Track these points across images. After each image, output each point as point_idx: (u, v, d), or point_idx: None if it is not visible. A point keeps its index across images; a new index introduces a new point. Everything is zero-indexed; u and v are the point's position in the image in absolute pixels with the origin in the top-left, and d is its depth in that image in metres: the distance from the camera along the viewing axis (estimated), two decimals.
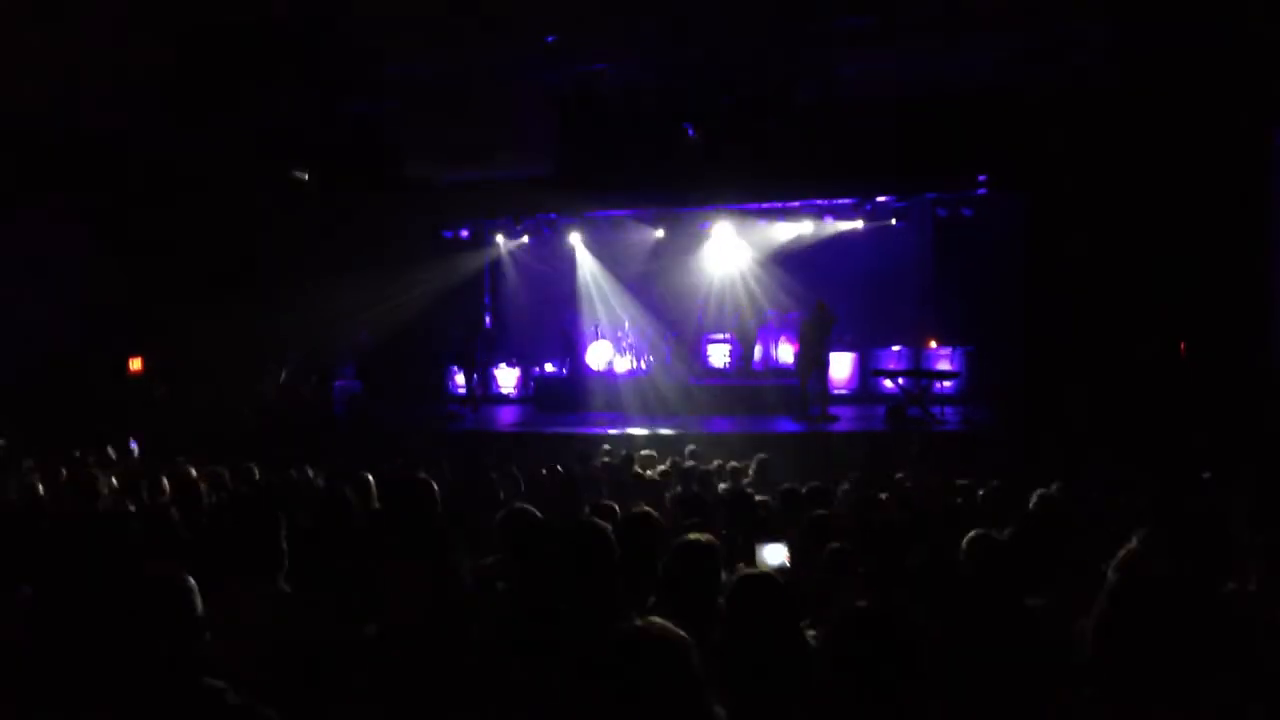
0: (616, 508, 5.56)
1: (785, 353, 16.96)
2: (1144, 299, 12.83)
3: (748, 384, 16.37)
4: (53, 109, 12.44)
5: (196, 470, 7.56)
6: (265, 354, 15.51)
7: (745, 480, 8.61)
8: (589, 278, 18.26)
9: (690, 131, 14.38)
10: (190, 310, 14.59)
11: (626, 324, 17.36)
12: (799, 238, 17.25)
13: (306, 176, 14.53)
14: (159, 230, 14.61)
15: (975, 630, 3.54)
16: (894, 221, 16.61)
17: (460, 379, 16.62)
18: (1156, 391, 12.03)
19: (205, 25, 10.40)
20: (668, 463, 9.44)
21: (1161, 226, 12.61)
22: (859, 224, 16.79)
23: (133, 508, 5.57)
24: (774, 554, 5.00)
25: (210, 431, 12.40)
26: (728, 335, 17.41)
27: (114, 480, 7.10)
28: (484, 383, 18.04)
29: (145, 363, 15.26)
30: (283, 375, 15.33)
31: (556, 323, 17.78)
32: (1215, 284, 12.38)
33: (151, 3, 9.99)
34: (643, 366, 17.03)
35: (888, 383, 14.93)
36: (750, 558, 4.98)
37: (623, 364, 17.20)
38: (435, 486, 5.67)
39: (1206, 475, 7.39)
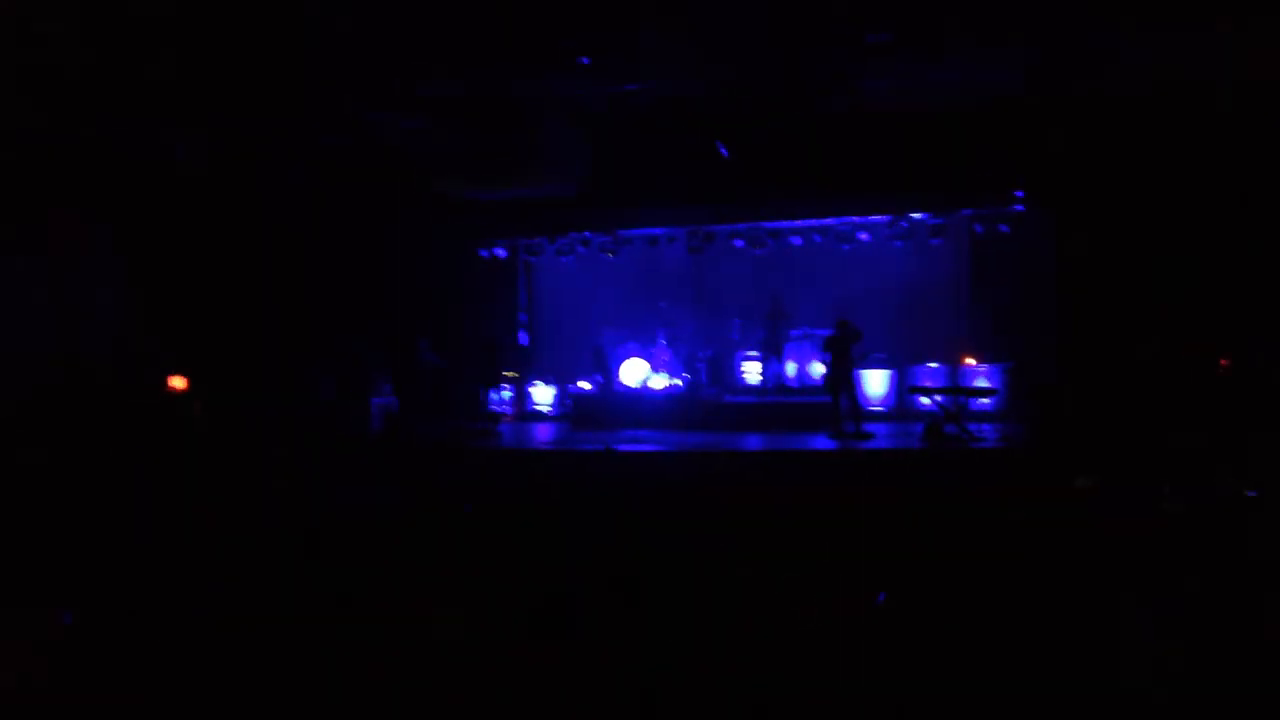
0: None
1: (819, 370, 16.85)
2: (1185, 312, 12.64)
3: (783, 401, 16.30)
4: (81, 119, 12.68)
5: None
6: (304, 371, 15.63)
7: None
8: (623, 295, 18.32)
9: (723, 150, 14.39)
10: (226, 328, 14.79)
11: (662, 341, 17.34)
12: (833, 254, 17.14)
13: None
14: (194, 247, 14.82)
15: None
16: (933, 240, 16.47)
17: (494, 396, 16.69)
18: (1198, 405, 11.82)
19: (240, 40, 10.59)
20: None
21: (1198, 237, 12.44)
22: (895, 242, 16.69)
23: None
24: None
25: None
26: (759, 352, 17.33)
27: None
28: (519, 400, 18.10)
29: (188, 382, 15.42)
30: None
31: (592, 340, 17.78)
32: (1256, 294, 12.18)
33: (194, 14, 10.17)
34: (678, 384, 16.99)
35: (925, 400, 14.78)
36: None
37: (658, 381, 17.18)
38: None
39: (1252, 494, 7.24)
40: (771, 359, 16.92)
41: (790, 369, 17.38)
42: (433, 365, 16.75)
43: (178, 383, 15.34)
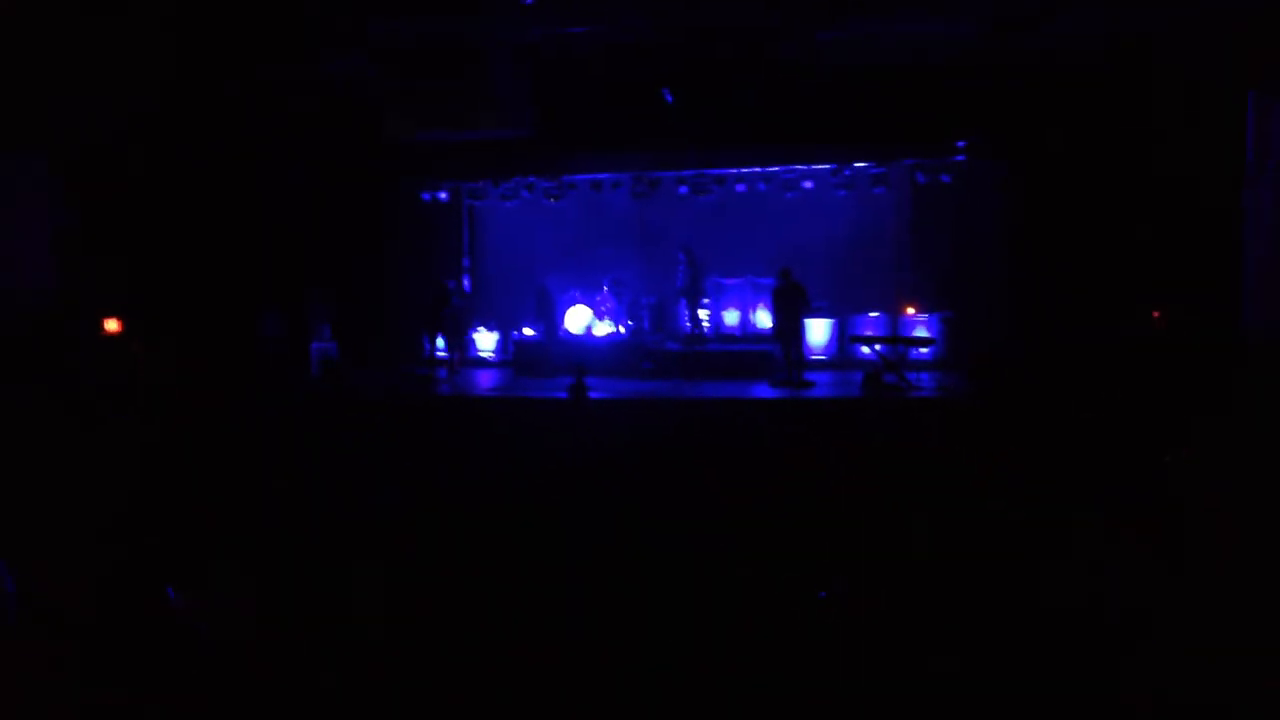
0: None
1: (762, 318, 16.97)
2: (1122, 266, 12.96)
3: (725, 349, 16.41)
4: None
5: None
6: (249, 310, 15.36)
7: None
8: (567, 241, 18.19)
9: (669, 96, 14.31)
10: (166, 270, 14.47)
11: (605, 288, 17.31)
12: (777, 203, 17.17)
13: None
14: (134, 187, 14.42)
15: None
16: (876, 189, 16.57)
17: (440, 342, 16.53)
18: (1132, 358, 12.18)
19: None
20: None
21: (1139, 191, 12.73)
22: (838, 191, 16.75)
23: None
24: None
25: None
26: (705, 300, 17.31)
27: None
28: (462, 346, 17.96)
29: (122, 323, 15.06)
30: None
31: (536, 286, 17.67)
32: (1190, 248, 12.52)
33: None
34: (621, 330, 17.01)
35: (865, 349, 15.00)
36: None
37: (601, 328, 17.18)
38: None
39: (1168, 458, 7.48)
40: (693, 307, 16.85)
41: (732, 317, 17.47)
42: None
43: (112, 325, 14.99)
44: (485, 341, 18.13)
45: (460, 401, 14.01)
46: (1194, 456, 6.66)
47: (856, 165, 16.31)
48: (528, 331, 17.66)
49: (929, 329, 15.94)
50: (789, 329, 14.04)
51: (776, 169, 16.73)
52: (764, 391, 13.63)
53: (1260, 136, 12.05)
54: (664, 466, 7.47)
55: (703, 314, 16.93)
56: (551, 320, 17.16)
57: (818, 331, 16.44)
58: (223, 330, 14.90)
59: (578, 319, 17.34)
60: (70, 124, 13.48)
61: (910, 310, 16.29)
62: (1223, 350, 11.59)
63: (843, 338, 16.51)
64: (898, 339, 15.11)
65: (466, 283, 18.83)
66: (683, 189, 17.04)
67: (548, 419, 11.53)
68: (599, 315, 17.25)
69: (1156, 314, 13.29)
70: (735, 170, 16.87)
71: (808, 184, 16.64)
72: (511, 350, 17.48)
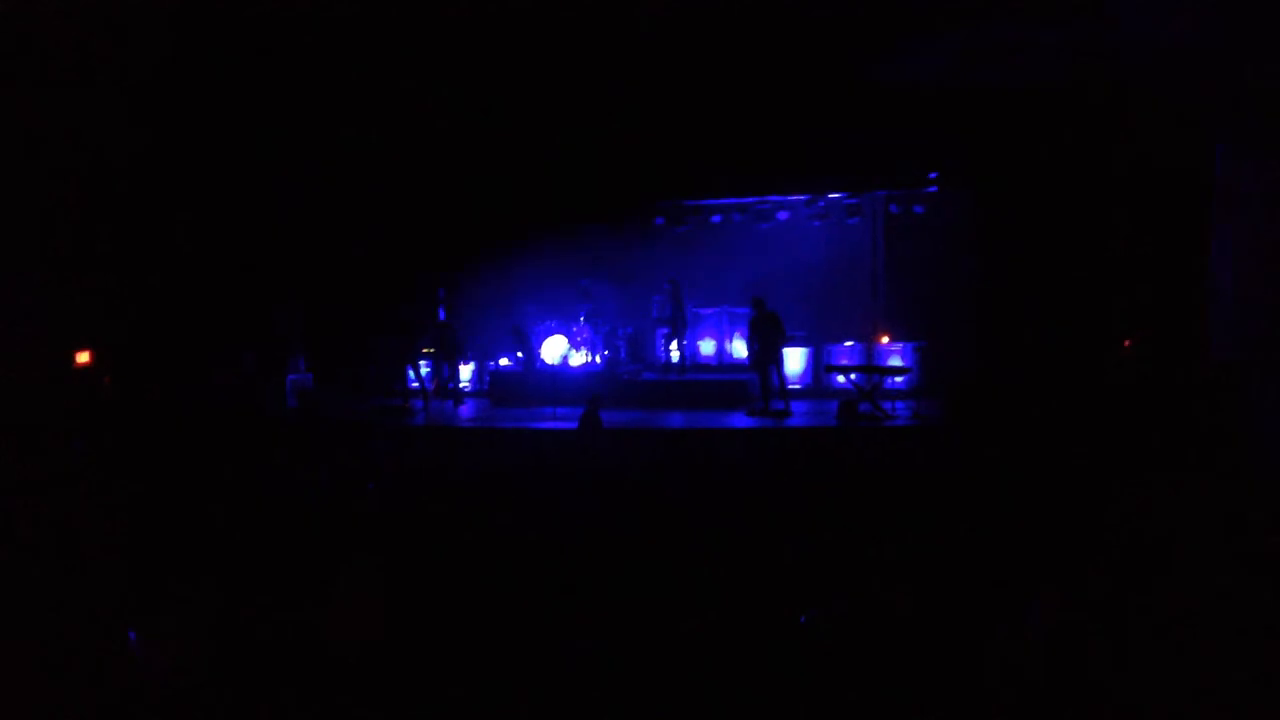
0: None
1: (738, 348, 17.05)
2: (1091, 295, 13.14)
3: (702, 379, 16.46)
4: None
5: None
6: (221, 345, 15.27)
7: None
8: (544, 272, 18.21)
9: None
10: (135, 301, 14.40)
11: (581, 318, 17.33)
12: (751, 233, 17.32)
13: None
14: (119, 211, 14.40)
15: None
16: (850, 220, 16.75)
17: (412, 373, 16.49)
18: (1102, 385, 12.31)
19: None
20: None
21: (1108, 225, 12.93)
22: (813, 222, 16.93)
23: None
24: None
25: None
26: (665, 331, 17.32)
27: None
28: (437, 376, 17.91)
29: (93, 356, 14.95)
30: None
31: (511, 317, 17.69)
32: (1157, 280, 12.72)
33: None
34: (597, 361, 17.02)
35: (840, 378, 15.08)
36: None
37: (578, 358, 17.18)
38: None
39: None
40: (675, 338, 16.93)
41: (708, 346, 17.56)
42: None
43: (82, 358, 14.88)
44: (462, 372, 18.09)
45: (438, 431, 13.95)
46: (1158, 480, 6.77)
47: (831, 196, 16.51)
48: (504, 362, 17.67)
49: (903, 357, 16.06)
50: (765, 358, 14.10)
51: (752, 200, 16.90)
52: (741, 421, 13.66)
53: (1226, 170, 12.28)
54: (646, 489, 7.49)
55: (674, 350, 16.93)
56: (528, 351, 17.18)
57: (793, 360, 16.52)
58: (195, 359, 14.82)
59: (554, 349, 17.35)
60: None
61: (884, 339, 16.43)
62: (1188, 375, 11.76)
63: (818, 366, 16.61)
64: (873, 368, 15.20)
65: (442, 313, 18.83)
66: (659, 220, 17.16)
67: (543, 451, 11.47)
68: (575, 345, 17.25)
69: (1127, 343, 13.46)
70: (711, 201, 17.02)
71: (783, 215, 16.83)
72: (488, 380, 17.48)
